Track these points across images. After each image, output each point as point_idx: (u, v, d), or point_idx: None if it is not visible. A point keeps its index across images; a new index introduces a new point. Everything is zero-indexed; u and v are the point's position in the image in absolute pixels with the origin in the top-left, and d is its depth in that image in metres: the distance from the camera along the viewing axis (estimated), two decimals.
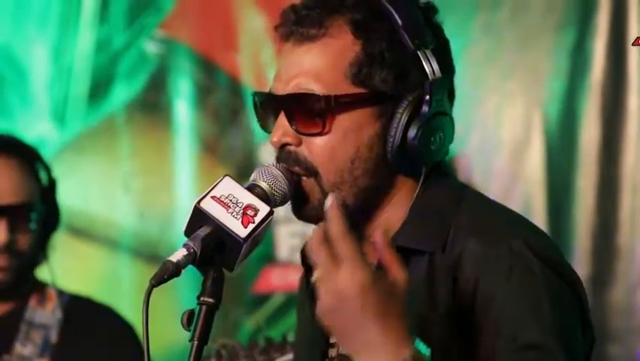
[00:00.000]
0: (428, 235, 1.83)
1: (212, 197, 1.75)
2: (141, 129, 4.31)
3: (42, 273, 3.15)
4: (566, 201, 3.78)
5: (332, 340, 1.91)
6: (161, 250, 4.16)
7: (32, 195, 3.07)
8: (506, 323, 1.74)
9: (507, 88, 3.86)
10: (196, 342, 1.69)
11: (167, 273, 1.68)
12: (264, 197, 1.79)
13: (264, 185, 1.81)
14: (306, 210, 1.86)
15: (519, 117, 3.84)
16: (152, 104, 4.30)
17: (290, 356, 2.68)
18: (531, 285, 1.75)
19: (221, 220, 1.73)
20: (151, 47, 4.29)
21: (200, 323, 1.70)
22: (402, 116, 1.83)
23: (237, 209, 1.74)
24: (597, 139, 3.75)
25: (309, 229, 2.04)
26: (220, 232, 1.72)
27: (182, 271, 1.69)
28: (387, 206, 1.88)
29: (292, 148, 1.85)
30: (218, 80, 4.24)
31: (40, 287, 3.15)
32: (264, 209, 1.75)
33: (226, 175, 1.79)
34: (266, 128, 1.92)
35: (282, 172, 1.84)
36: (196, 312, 1.70)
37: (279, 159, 1.85)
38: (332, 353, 1.91)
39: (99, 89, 4.30)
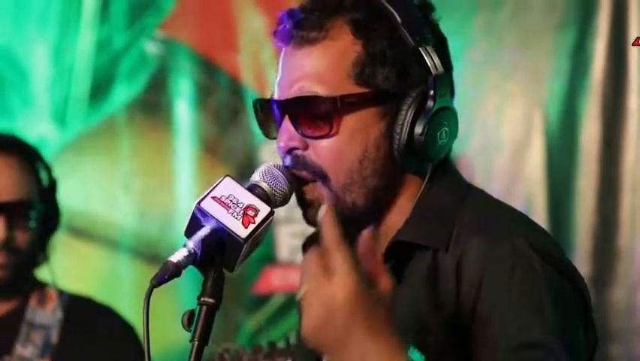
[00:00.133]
0: (432, 232, 1.83)
1: (212, 197, 1.75)
2: (141, 130, 4.31)
3: (42, 273, 3.15)
4: (567, 201, 3.78)
5: None
6: (161, 251, 4.16)
7: (32, 194, 3.07)
8: (509, 322, 1.73)
9: (507, 88, 3.86)
10: (196, 342, 1.69)
11: (168, 273, 1.68)
12: (265, 197, 1.79)
13: (264, 185, 1.81)
14: (314, 216, 1.85)
15: (519, 117, 3.84)
16: (153, 105, 4.30)
17: None
18: (533, 283, 1.75)
19: (221, 221, 1.73)
20: (151, 48, 4.29)
21: (201, 323, 1.70)
22: (407, 113, 1.83)
23: (238, 209, 1.74)
24: (597, 139, 3.75)
25: (310, 229, 2.05)
26: (220, 233, 1.72)
27: (183, 271, 1.69)
28: (395, 205, 1.88)
29: (299, 152, 1.85)
30: (218, 81, 4.24)
31: (41, 287, 3.14)
32: (264, 209, 1.75)
33: (226, 175, 1.79)
34: (268, 134, 1.92)
35: (282, 173, 1.84)
36: (196, 312, 1.70)
37: (286, 165, 1.85)
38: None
39: (99, 89, 4.30)
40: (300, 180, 1.85)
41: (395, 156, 1.84)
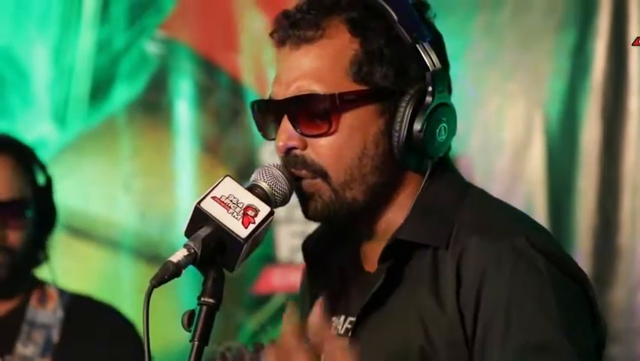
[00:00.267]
0: (432, 230, 1.83)
1: (212, 197, 1.75)
2: (142, 130, 4.31)
3: (42, 273, 3.15)
4: (567, 202, 3.77)
5: None
6: (161, 251, 4.15)
7: (26, 193, 3.06)
8: (514, 322, 1.73)
9: (508, 88, 3.86)
10: (196, 343, 1.69)
11: (168, 273, 1.68)
12: (265, 197, 1.80)
13: (264, 185, 1.82)
14: (314, 209, 1.85)
15: (520, 118, 3.84)
16: (153, 105, 4.30)
17: None
18: (536, 283, 1.75)
19: (221, 221, 1.73)
20: (152, 48, 4.29)
21: (201, 323, 1.70)
22: (406, 110, 1.83)
23: (238, 209, 1.74)
24: (598, 139, 3.75)
25: (310, 229, 2.05)
26: (220, 233, 1.73)
27: (183, 271, 1.70)
28: (394, 202, 1.88)
29: (298, 152, 1.85)
30: (218, 81, 4.24)
31: (41, 287, 3.14)
32: (264, 209, 1.75)
33: (227, 176, 1.79)
34: (267, 135, 1.92)
35: (282, 173, 1.84)
36: (196, 312, 1.70)
37: (285, 165, 1.85)
38: None
39: (100, 89, 4.30)
40: (299, 179, 1.86)
41: (394, 153, 1.85)
